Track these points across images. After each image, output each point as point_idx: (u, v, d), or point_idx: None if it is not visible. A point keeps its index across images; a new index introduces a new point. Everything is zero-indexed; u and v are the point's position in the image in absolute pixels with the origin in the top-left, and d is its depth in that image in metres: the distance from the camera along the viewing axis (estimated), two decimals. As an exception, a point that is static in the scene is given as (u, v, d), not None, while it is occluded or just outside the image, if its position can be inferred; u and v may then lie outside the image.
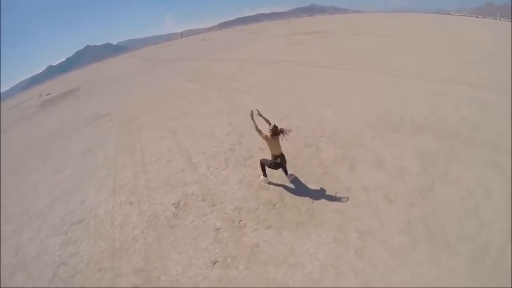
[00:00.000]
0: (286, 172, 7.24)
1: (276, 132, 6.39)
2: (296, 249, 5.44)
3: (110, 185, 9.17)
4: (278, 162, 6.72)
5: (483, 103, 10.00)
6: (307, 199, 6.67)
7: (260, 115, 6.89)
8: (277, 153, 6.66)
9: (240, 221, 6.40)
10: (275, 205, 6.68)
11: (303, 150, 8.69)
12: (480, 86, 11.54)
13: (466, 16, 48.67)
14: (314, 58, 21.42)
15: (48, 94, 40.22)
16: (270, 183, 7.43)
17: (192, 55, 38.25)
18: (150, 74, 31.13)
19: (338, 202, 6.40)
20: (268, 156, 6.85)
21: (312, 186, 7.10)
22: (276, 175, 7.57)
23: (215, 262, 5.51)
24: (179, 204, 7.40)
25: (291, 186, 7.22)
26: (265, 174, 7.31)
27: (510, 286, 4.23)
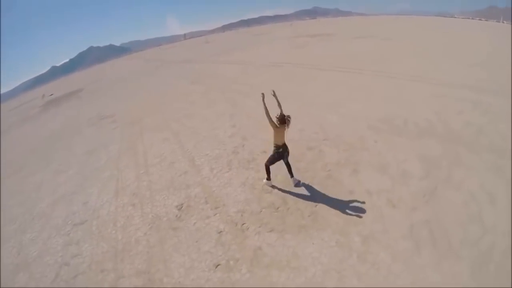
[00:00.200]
0: (290, 169, 7.18)
1: (283, 120, 6.45)
2: (299, 252, 5.43)
3: (113, 186, 9.18)
4: (281, 151, 6.73)
5: (487, 107, 9.98)
6: (310, 203, 6.66)
7: (274, 95, 6.93)
8: (280, 143, 6.67)
9: (243, 224, 6.39)
10: (278, 208, 6.67)
11: (306, 153, 8.68)
12: (483, 89, 11.53)
13: (469, 18, 48.63)
14: (317, 60, 21.45)
15: (51, 94, 40.35)
16: (273, 186, 7.41)
17: (195, 57, 38.32)
18: (153, 75, 31.19)
19: (341, 206, 6.39)
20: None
21: (315, 189, 7.09)
22: (279, 178, 7.56)
23: (218, 265, 5.51)
24: (182, 207, 7.40)
25: (294, 189, 7.20)
26: (268, 178, 7.27)
27: (513, 292, 4.22)
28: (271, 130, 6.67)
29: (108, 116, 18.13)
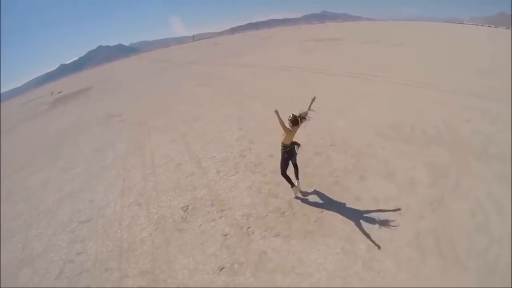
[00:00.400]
0: (297, 171, 7.08)
1: (295, 121, 6.31)
2: (304, 258, 5.41)
3: (119, 185, 9.22)
4: (288, 150, 6.54)
5: (495, 115, 9.90)
6: (316, 208, 6.63)
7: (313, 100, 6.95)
8: (288, 142, 6.50)
9: (249, 227, 6.38)
10: (284, 213, 6.65)
11: (314, 158, 8.65)
12: (492, 97, 11.45)
13: (478, 25, 48.41)
14: (326, 65, 21.42)
15: (60, 92, 40.75)
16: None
17: (204, 59, 38.52)
18: (161, 76, 31.38)
19: (348, 213, 6.35)
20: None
21: (322, 195, 7.06)
22: (286, 182, 7.50)
23: (222, 268, 5.50)
24: (187, 208, 7.40)
25: (301, 194, 7.18)
26: (292, 185, 7.03)
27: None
28: (281, 131, 6.53)
29: (116, 115, 18.26)
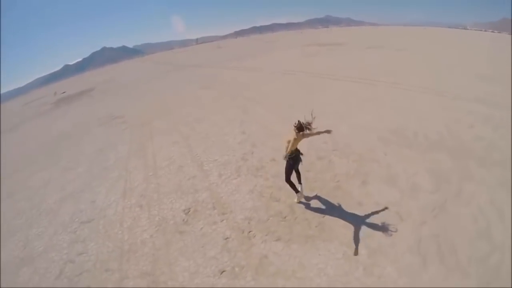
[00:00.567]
0: (299, 177, 7.09)
1: (301, 128, 6.13)
2: (305, 262, 5.40)
3: (121, 186, 9.23)
4: (293, 156, 6.43)
5: (498, 121, 9.91)
6: (318, 213, 6.62)
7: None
8: (293, 149, 6.37)
9: (250, 231, 6.37)
10: (285, 217, 6.64)
11: (316, 162, 8.64)
12: (495, 103, 11.47)
13: (481, 31, 48.48)
14: (329, 70, 21.44)
15: (64, 92, 40.90)
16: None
17: (207, 62, 38.61)
18: (164, 79, 31.45)
19: (349, 218, 6.34)
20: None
21: (324, 199, 7.05)
22: (288, 187, 7.48)
23: (223, 271, 5.49)
24: (189, 211, 7.40)
25: (302, 199, 7.16)
26: (297, 191, 7.00)
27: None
28: (285, 139, 6.40)
29: (118, 117, 18.29)
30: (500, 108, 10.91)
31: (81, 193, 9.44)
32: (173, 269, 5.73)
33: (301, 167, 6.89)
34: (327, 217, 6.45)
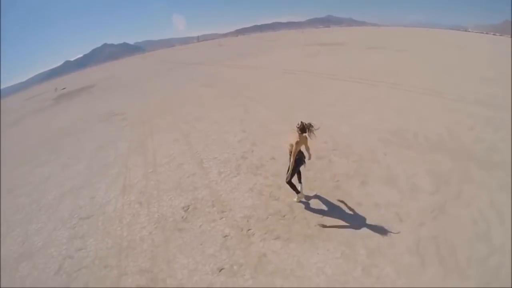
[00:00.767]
0: (300, 176, 7.08)
1: (303, 129, 6.11)
2: (303, 262, 5.40)
3: (120, 183, 9.23)
4: (297, 159, 6.35)
5: (499, 123, 9.91)
6: (317, 212, 6.62)
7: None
8: (297, 150, 6.26)
9: (249, 229, 6.37)
10: (284, 216, 6.64)
11: (315, 162, 8.61)
12: (496, 105, 11.47)
13: (483, 33, 48.41)
14: (330, 70, 21.42)
15: (64, 88, 40.87)
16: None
17: (208, 60, 38.59)
18: (165, 76, 31.42)
19: (349, 217, 6.35)
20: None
21: (323, 199, 7.04)
22: (287, 186, 7.47)
23: (222, 269, 5.49)
24: (188, 208, 7.40)
25: (303, 198, 7.16)
26: (297, 191, 6.97)
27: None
28: (289, 141, 6.35)
29: (119, 114, 18.29)
30: (501, 110, 10.91)
31: (80, 189, 9.44)
32: (172, 266, 5.73)
33: (302, 168, 6.87)
34: (326, 216, 6.45)
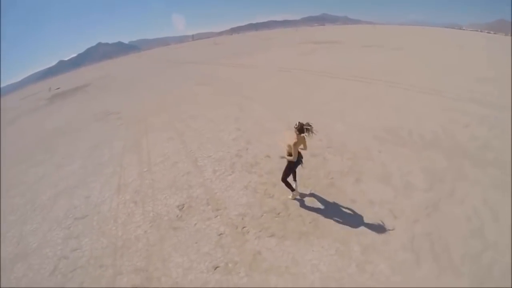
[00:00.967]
0: (295, 175, 7.03)
1: (301, 130, 6.06)
2: (298, 259, 5.42)
3: (115, 182, 9.20)
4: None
5: (494, 122, 9.98)
6: (311, 210, 6.64)
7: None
8: (296, 150, 6.22)
9: (244, 227, 6.38)
10: (279, 213, 6.66)
11: (310, 159, 8.63)
12: (490, 104, 11.55)
13: (478, 31, 48.80)
14: (326, 68, 21.46)
15: (58, 88, 40.62)
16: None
17: (203, 59, 38.49)
18: (160, 75, 31.31)
19: (343, 215, 6.37)
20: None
21: (318, 196, 7.07)
22: (282, 184, 7.48)
23: (216, 267, 5.50)
24: (183, 207, 7.40)
25: (297, 196, 7.17)
26: (292, 189, 6.95)
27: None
28: (287, 142, 6.32)
29: (113, 113, 18.21)
30: (496, 108, 10.99)
31: (75, 188, 9.40)
32: (167, 265, 5.73)
33: (299, 167, 6.85)
34: (321, 213, 6.48)
